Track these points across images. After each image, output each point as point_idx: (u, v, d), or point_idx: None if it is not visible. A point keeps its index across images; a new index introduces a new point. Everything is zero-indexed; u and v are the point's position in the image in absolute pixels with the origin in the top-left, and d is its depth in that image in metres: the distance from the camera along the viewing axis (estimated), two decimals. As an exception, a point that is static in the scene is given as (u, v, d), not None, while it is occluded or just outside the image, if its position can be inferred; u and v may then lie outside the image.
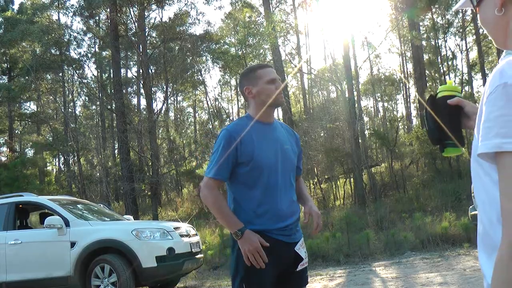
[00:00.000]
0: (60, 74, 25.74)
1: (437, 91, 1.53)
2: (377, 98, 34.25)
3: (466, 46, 24.37)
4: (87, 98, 29.63)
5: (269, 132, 2.58)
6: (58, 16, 25.66)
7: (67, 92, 28.82)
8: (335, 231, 11.27)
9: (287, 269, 2.53)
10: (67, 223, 7.32)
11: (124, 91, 23.21)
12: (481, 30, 23.39)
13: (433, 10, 20.54)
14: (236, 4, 20.97)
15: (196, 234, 8.51)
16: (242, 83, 2.65)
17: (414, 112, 30.03)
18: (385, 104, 36.16)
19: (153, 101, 21.50)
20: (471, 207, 7.66)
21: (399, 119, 26.85)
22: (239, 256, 2.45)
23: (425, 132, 15.64)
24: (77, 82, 28.01)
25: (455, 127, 1.46)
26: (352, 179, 17.26)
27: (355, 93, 19.37)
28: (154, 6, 20.69)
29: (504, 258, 0.89)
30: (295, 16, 22.00)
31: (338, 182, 18.47)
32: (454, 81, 25.20)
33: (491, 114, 0.95)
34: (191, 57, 20.31)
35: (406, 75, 30.82)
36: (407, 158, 17.68)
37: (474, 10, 1.18)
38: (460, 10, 23.17)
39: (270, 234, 2.46)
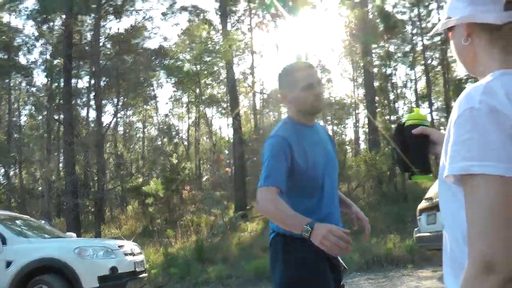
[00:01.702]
0: (7, 81, 24.71)
1: (405, 119, 1.56)
2: (327, 121, 35.00)
3: (415, 75, 25.45)
4: (33, 107, 28.56)
5: (314, 135, 2.41)
6: (9, 19, 24.70)
7: (12, 100, 27.69)
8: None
9: (335, 280, 2.33)
10: (3, 241, 6.93)
11: (73, 102, 22.56)
12: (429, 61, 24.54)
13: (387, 39, 21.33)
14: (193, 21, 21.00)
15: (141, 253, 8.30)
16: (280, 85, 2.46)
17: (362, 137, 30.86)
18: (335, 128, 36.97)
19: (103, 114, 21.03)
20: (416, 229, 7.88)
21: (347, 143, 27.51)
22: (287, 269, 2.22)
23: (372, 156, 16.08)
24: (25, 90, 26.95)
25: (422, 155, 1.50)
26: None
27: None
28: (111, 16, 20.36)
29: (470, 279, 0.91)
30: (251, 36, 22.28)
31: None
32: (403, 109, 26.12)
33: (459, 138, 0.98)
34: (144, 71, 20.05)
35: (356, 100, 31.71)
36: (354, 181, 18.06)
37: (446, 36, 1.23)
38: (411, 41, 24.20)
39: None
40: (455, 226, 1.05)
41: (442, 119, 30.93)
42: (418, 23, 24.76)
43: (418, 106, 26.35)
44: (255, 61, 25.70)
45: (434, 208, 6.74)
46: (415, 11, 24.74)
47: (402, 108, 26.65)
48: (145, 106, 29.51)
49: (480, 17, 1.09)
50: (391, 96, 24.88)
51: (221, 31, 19.60)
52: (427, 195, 7.41)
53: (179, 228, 13.91)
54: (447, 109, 27.37)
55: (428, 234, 6.98)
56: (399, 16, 22.81)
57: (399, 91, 25.57)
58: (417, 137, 1.47)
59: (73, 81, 23.75)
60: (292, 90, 2.33)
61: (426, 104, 28.40)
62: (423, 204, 7.40)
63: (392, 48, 24.76)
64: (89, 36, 19.96)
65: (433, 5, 25.12)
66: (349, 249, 1.97)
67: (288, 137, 2.25)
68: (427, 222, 7.14)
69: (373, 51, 23.77)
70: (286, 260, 2.23)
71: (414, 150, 1.50)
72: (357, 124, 31.87)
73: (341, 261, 2.35)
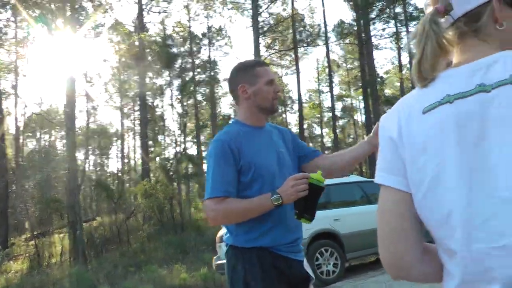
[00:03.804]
0: None
1: (310, 177, 2.08)
2: (89, 150, 33.64)
3: (183, 108, 26.59)
4: None
5: (264, 137, 2.33)
6: None
7: None
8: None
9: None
10: None
11: None
12: (198, 96, 25.98)
13: (160, 69, 21.91)
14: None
15: None
16: (236, 80, 2.33)
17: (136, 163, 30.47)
18: (97, 158, 35.83)
19: None
20: (216, 257, 8.15)
21: (119, 173, 26.95)
22: (237, 276, 2.18)
23: (153, 185, 16.15)
24: None
25: (313, 206, 2.09)
26: (70, 233, 16.18)
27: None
28: None
29: None
30: (16, 52, 20.02)
31: (53, 238, 17.06)
32: (166, 141, 26.99)
33: None
34: None
35: (122, 130, 31.29)
36: (131, 212, 17.79)
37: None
38: (182, 74, 25.28)
39: (279, 252, 2.20)
40: None
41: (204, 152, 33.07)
42: (189, 58, 26.11)
43: (185, 139, 27.71)
44: (19, 80, 23.12)
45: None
46: (187, 46, 26.07)
47: (170, 142, 27.47)
48: None
49: None
50: (157, 129, 25.49)
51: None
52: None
53: None
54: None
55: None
56: (172, 50, 23.71)
57: (166, 123, 26.44)
58: (316, 194, 2.05)
59: None
60: (254, 84, 2.29)
61: (191, 137, 29.95)
62: (222, 231, 7.70)
63: (163, 81, 25.47)
64: None
65: (205, 41, 26.94)
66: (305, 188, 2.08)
67: (231, 139, 2.21)
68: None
69: (153, 81, 24.05)
70: (235, 271, 2.21)
71: (313, 203, 2.08)
72: (123, 153, 31.36)
73: (311, 273, 2.33)
